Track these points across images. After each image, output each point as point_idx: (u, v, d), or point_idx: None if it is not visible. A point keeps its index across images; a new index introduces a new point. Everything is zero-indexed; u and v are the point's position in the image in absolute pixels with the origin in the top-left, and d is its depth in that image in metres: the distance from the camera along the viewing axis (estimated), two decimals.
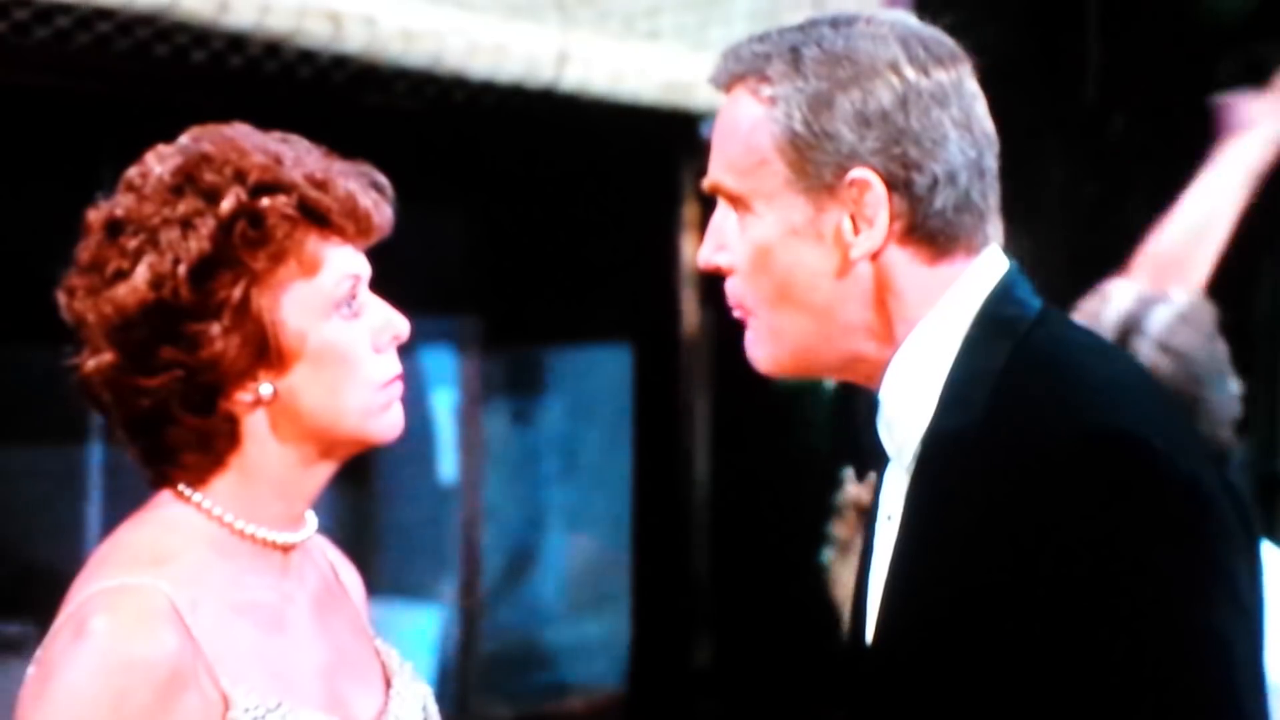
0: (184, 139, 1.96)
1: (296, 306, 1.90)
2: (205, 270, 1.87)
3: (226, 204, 1.88)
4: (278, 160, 1.92)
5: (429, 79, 4.28)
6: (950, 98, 1.85)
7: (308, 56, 4.04)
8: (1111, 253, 3.76)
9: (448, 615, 5.58)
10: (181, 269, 1.86)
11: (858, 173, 1.82)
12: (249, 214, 1.88)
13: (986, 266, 1.87)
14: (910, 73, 1.84)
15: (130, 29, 3.79)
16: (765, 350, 1.90)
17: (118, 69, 3.90)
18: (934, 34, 1.90)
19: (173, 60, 3.88)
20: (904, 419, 1.85)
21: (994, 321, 1.84)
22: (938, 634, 1.76)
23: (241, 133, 1.96)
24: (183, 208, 1.88)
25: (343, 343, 1.92)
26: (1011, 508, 1.72)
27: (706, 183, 1.93)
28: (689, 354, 5.13)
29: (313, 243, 1.91)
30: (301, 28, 3.94)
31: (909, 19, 1.91)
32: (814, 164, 1.83)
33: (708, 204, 1.99)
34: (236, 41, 3.91)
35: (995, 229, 1.89)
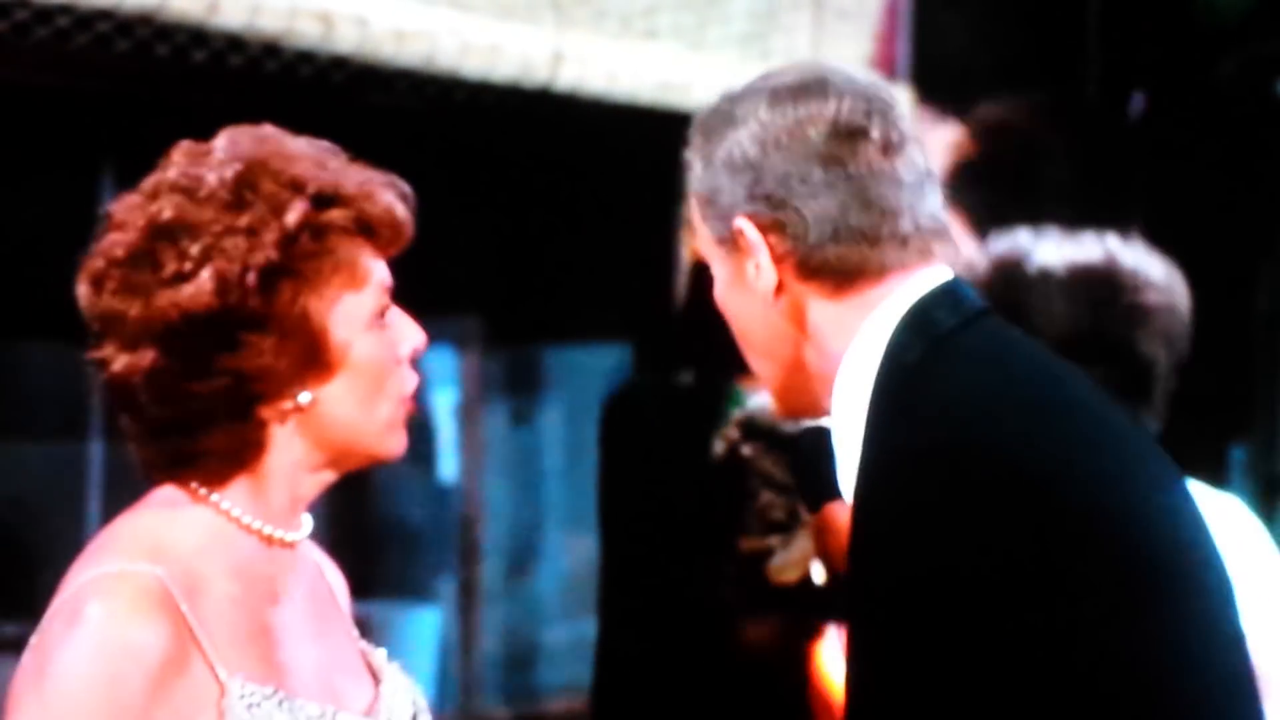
0: (224, 142, 1.95)
1: (343, 318, 1.91)
2: (270, 280, 1.88)
3: (292, 216, 1.89)
4: (323, 168, 1.94)
5: (424, 79, 4.28)
6: (815, 133, 1.87)
7: (306, 56, 4.04)
8: None
9: (447, 614, 5.58)
10: (250, 277, 1.86)
11: (738, 222, 1.89)
12: (312, 226, 1.90)
13: (902, 294, 1.87)
14: (766, 115, 1.88)
15: (130, 29, 3.80)
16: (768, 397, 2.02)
17: (117, 68, 3.90)
18: (848, 76, 1.91)
19: (172, 60, 3.88)
20: (843, 457, 1.89)
21: (891, 355, 1.85)
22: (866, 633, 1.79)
23: (278, 136, 1.97)
24: (248, 217, 1.88)
25: (377, 355, 1.94)
26: (862, 521, 1.76)
27: None
28: None
29: (363, 255, 1.93)
30: (293, 28, 3.94)
31: (842, 66, 1.96)
32: (714, 219, 1.91)
33: None
34: (235, 42, 3.91)
35: (901, 254, 1.88)
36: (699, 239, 1.96)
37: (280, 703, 1.86)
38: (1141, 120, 6.01)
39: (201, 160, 1.93)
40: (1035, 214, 3.68)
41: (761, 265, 1.88)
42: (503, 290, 5.52)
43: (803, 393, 1.94)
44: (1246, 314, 6.16)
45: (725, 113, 1.91)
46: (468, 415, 5.61)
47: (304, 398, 1.90)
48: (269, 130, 1.97)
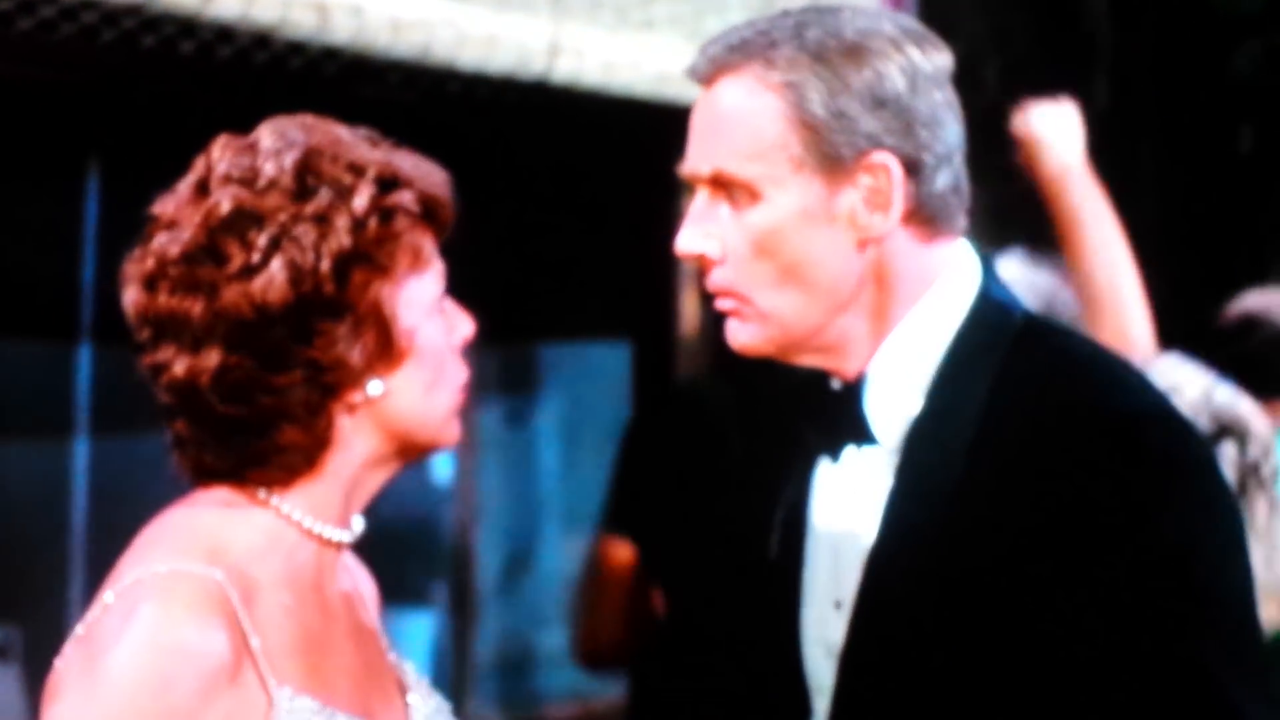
0: (270, 133, 1.90)
1: (408, 304, 1.89)
2: (343, 267, 1.84)
3: (360, 200, 1.86)
4: (376, 151, 1.92)
5: (419, 71, 4.25)
6: (945, 80, 1.90)
7: (297, 48, 4.00)
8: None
9: (442, 618, 5.56)
10: (325, 265, 1.83)
11: (878, 156, 1.84)
12: (380, 210, 1.87)
13: (970, 254, 1.92)
14: (914, 54, 1.87)
15: (116, 20, 3.76)
16: (753, 332, 1.90)
17: (103, 60, 3.86)
18: (914, 21, 1.93)
19: (159, 51, 3.84)
20: (894, 398, 1.87)
21: (992, 306, 1.88)
22: (950, 597, 1.79)
23: (322, 124, 1.93)
24: (315, 204, 1.84)
25: (439, 341, 1.93)
26: (1048, 479, 1.75)
27: (705, 170, 1.91)
28: (687, 351, 5.11)
29: (426, 240, 1.92)
30: (288, 18, 3.91)
31: (884, 10, 1.96)
32: (831, 145, 1.84)
33: None
34: (225, 33, 3.88)
35: (964, 219, 1.94)
36: (770, 161, 1.85)
37: (329, 719, 1.84)
38: (1153, 113, 6.00)
39: (248, 152, 1.88)
40: (1042, 210, 3.62)
41: (893, 203, 1.85)
42: (499, 286, 5.48)
43: (832, 336, 1.89)
44: None
45: (845, 38, 1.85)
46: (463, 414, 5.56)
47: (375, 388, 1.87)
48: (310, 119, 1.93)
